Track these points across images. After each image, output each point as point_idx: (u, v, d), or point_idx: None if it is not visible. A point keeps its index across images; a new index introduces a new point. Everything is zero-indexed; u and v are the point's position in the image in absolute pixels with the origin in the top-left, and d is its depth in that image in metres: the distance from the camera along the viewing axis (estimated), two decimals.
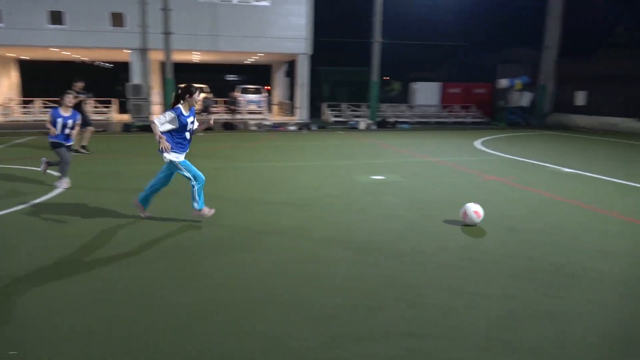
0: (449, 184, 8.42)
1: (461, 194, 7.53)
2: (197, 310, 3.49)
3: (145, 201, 5.80)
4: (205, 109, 22.62)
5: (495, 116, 24.13)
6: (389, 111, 23.91)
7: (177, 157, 5.44)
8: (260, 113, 24.52)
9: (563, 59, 23.31)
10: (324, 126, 20.47)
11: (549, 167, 10.40)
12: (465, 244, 5.08)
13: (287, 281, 4.06)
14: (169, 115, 5.29)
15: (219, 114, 24.13)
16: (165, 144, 5.25)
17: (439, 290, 3.91)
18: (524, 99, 22.70)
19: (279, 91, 29.09)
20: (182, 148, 5.48)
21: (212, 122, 6.06)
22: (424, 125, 22.71)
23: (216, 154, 11.90)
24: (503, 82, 23.29)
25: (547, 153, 12.86)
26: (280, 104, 27.79)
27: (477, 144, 14.76)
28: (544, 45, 23.07)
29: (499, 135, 17.68)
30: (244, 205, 6.64)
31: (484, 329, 3.28)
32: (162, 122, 5.27)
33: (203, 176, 5.56)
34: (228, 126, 19.08)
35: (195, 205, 5.57)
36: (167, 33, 18.52)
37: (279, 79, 29.16)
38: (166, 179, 5.70)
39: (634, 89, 19.77)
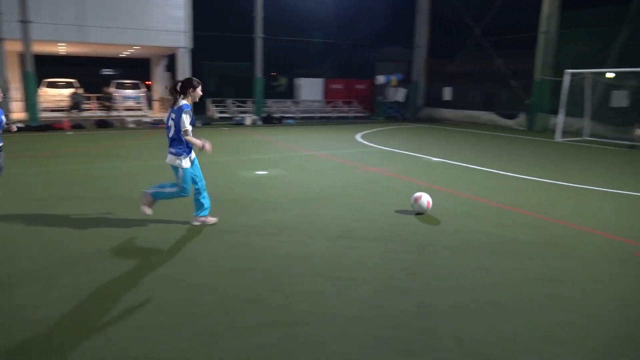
0: (331, 175, 8.74)
1: (342, 184, 7.88)
2: None
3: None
4: (75, 106, 20.84)
5: (375, 111, 25.51)
6: (274, 107, 24.06)
7: (187, 164, 5.13)
8: (139, 109, 23.18)
9: (432, 58, 25.32)
10: (208, 122, 19.98)
11: (421, 157, 11.28)
12: (343, 231, 5.33)
13: (155, 280, 3.93)
14: (190, 114, 5.00)
15: (91, 111, 22.36)
16: (208, 147, 5.09)
17: (310, 277, 4.07)
18: (399, 95, 24.31)
19: (160, 86, 27.71)
20: (190, 149, 5.17)
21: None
22: (308, 120, 23.24)
23: (89, 153, 11.03)
24: (380, 79, 24.69)
25: (419, 144, 13.93)
26: (161, 100, 26.51)
27: (358, 137, 15.49)
28: (414, 45, 24.88)
29: (378, 129, 18.73)
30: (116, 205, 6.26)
31: (352, 310, 3.48)
32: (190, 126, 5.00)
33: (190, 193, 5.32)
34: (102, 124, 17.75)
35: (151, 204, 5.33)
36: (24, 21, 16.64)
37: (159, 74, 27.80)
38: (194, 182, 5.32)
39: (489, 86, 22.19)
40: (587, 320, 3.40)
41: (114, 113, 20.61)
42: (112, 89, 23.29)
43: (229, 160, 10.37)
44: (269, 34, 21.24)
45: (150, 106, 24.47)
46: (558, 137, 15.54)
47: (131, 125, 18.31)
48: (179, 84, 5.04)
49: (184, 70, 21.11)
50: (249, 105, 22.87)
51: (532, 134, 17.42)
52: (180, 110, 4.94)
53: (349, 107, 26.16)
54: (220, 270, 4.20)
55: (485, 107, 22.10)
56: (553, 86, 17.49)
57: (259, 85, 21.44)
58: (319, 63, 29.22)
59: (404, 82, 25.35)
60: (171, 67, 25.87)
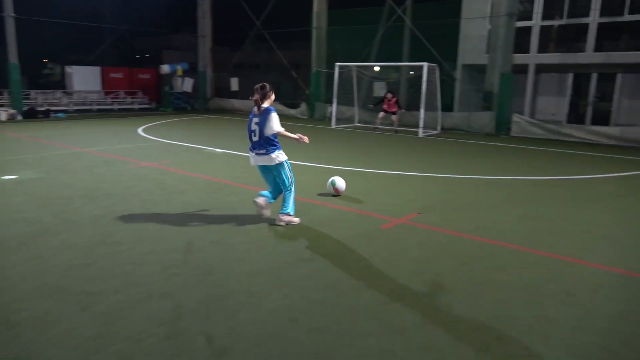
0: (97, 175, 7.86)
1: (109, 184, 7.14)
2: None
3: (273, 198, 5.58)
4: None
5: (162, 102, 24.22)
6: (40, 99, 20.79)
7: (285, 156, 5.42)
8: None
9: (218, 48, 25.16)
10: None
11: (204, 148, 11.05)
12: (101, 236, 4.77)
13: None
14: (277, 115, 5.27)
15: None
16: (306, 138, 5.49)
17: (47, 298, 3.51)
18: (186, 85, 23.52)
19: None
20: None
21: None
22: (84, 113, 20.81)
23: None
24: (165, 68, 23.49)
25: (205, 136, 13.67)
26: None
27: (140, 130, 14.43)
28: (198, 34, 24.34)
29: (164, 121, 17.79)
30: None
31: (95, 327, 3.10)
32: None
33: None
34: None
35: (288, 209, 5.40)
36: None
37: None
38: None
39: (274, 77, 23.15)
40: (332, 294, 3.68)
41: None
42: None
43: None
44: (24, 13, 18.13)
45: None
46: (333, 124, 17.07)
47: None
48: (260, 90, 5.25)
49: None
50: (5, 97, 19.28)
51: (313, 122, 18.77)
52: (267, 113, 5.17)
53: (133, 98, 24.29)
54: None
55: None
56: (328, 77, 19.10)
57: (14, 73, 18.17)
58: (96, 50, 26.35)
59: (191, 72, 24.64)
60: None
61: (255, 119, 5.24)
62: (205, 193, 6.77)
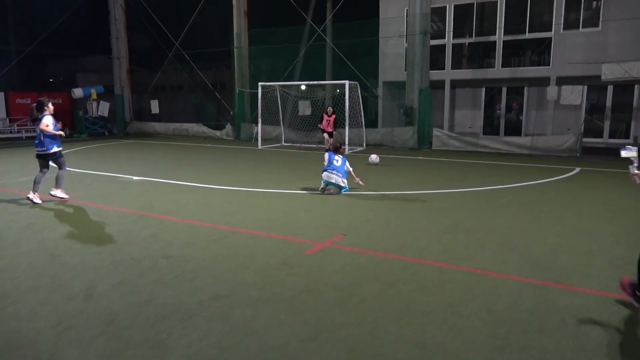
0: None
1: (1, 223, 6.38)
2: None
3: None
4: None
5: (76, 127, 22.75)
6: None
7: None
8: None
9: (136, 69, 24.14)
10: None
11: (119, 177, 10.35)
12: None
13: None
14: None
15: None
16: None
17: None
18: (102, 108, 22.29)
19: None
20: None
21: None
22: None
23: None
24: (77, 92, 22.15)
25: (121, 162, 12.89)
26: None
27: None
28: (113, 55, 23.25)
29: (78, 148, 16.64)
30: None
31: None
32: None
33: None
34: None
35: None
36: None
37: None
38: None
39: (197, 98, 22.54)
40: (249, 336, 3.39)
41: None
42: None
43: None
44: None
45: None
46: (260, 145, 16.80)
47: None
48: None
49: None
50: None
51: (239, 143, 18.39)
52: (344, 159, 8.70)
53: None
54: None
55: (195, 119, 22.35)
56: (253, 97, 18.88)
57: None
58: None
59: (108, 95, 23.42)
60: None
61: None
62: (116, 227, 6.24)
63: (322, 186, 8.49)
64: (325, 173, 8.43)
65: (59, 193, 7.87)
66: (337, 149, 8.78)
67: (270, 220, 6.59)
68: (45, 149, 7.63)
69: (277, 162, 13.04)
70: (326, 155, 8.64)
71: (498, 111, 19.25)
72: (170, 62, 22.54)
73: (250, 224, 6.35)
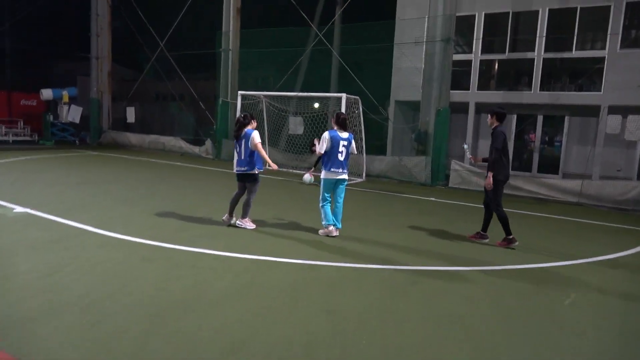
0: None
1: None
2: None
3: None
4: None
5: (43, 134, 20.06)
6: None
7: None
8: None
9: (117, 72, 21.52)
10: None
11: (5, 206, 7.32)
12: None
13: None
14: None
15: None
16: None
17: None
18: (73, 113, 19.56)
19: None
20: None
21: None
22: None
23: None
24: (46, 93, 19.49)
25: (34, 183, 9.89)
26: None
27: None
28: (92, 54, 20.63)
29: (20, 158, 13.80)
30: None
31: None
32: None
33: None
34: None
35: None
36: None
37: None
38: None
39: (176, 108, 19.77)
40: None
41: None
42: None
43: None
44: None
45: None
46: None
47: None
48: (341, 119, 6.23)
49: None
50: None
51: (218, 164, 15.32)
52: (351, 137, 6.27)
53: (9, 128, 19.98)
54: None
55: (173, 132, 19.52)
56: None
57: None
58: None
59: (82, 99, 20.75)
60: None
61: (345, 142, 6.22)
62: None
63: (324, 228, 6.37)
64: (326, 172, 6.21)
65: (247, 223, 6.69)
66: (342, 122, 6.21)
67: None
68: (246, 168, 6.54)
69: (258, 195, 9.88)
70: (326, 136, 6.10)
71: (532, 143, 15.95)
72: (153, 67, 19.77)
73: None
